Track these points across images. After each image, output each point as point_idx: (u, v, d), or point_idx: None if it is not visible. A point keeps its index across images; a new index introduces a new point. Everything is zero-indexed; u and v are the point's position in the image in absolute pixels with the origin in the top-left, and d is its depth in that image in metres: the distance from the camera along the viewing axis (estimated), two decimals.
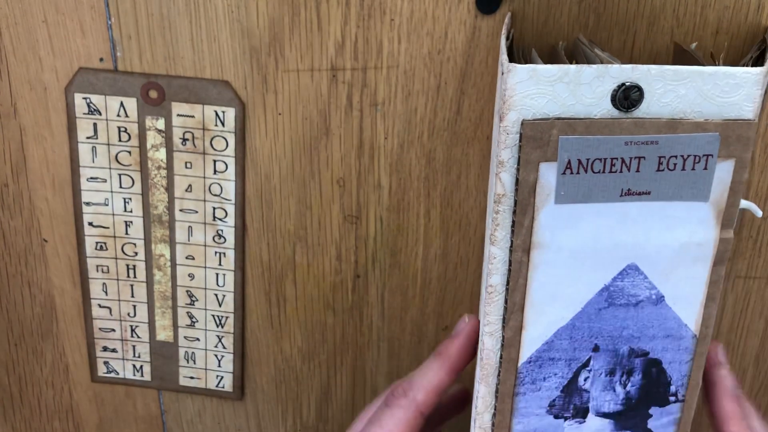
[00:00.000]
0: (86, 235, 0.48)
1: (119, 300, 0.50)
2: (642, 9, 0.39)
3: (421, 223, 0.46)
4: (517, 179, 0.32)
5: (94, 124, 0.45)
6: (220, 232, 0.47)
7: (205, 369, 0.51)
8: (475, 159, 0.44)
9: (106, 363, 0.52)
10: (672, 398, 0.36)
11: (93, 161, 0.46)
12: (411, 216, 0.46)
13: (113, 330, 0.51)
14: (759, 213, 0.43)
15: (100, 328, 0.51)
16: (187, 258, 0.48)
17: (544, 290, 0.34)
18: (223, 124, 0.44)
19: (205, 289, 0.49)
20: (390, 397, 0.37)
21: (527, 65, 0.30)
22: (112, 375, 0.53)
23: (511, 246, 0.33)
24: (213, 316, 0.50)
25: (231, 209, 0.46)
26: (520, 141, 0.31)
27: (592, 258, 0.33)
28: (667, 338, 0.35)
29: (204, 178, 0.46)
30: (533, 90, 0.31)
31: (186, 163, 0.46)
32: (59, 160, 0.47)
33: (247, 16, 0.42)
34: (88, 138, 0.45)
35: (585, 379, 0.36)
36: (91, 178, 0.47)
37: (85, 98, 0.44)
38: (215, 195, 0.46)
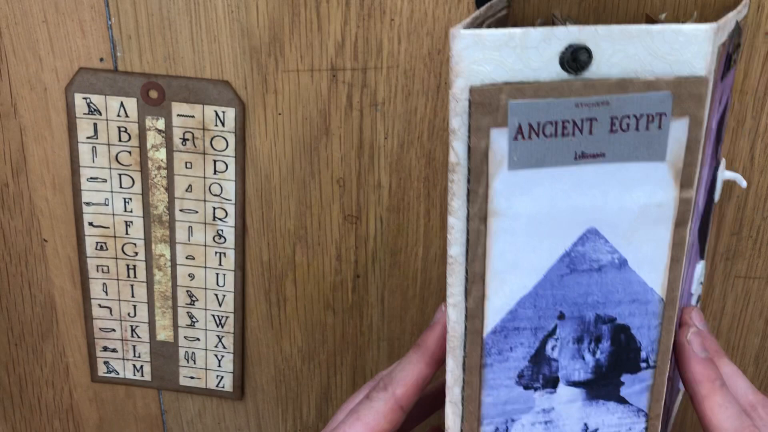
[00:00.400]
0: (86, 235, 0.48)
1: (119, 300, 0.50)
2: (642, 9, 0.39)
3: (421, 223, 0.46)
4: (468, 147, 0.31)
5: (94, 124, 0.45)
6: (220, 232, 0.47)
7: (205, 369, 0.51)
8: None
9: (106, 363, 0.52)
10: (643, 364, 0.36)
11: (93, 161, 0.46)
12: (411, 216, 0.46)
13: (113, 330, 0.51)
14: (744, 184, 0.43)
15: (100, 328, 0.51)
16: (187, 258, 0.48)
17: (503, 259, 0.33)
18: (223, 124, 0.44)
19: (205, 289, 0.49)
20: (371, 391, 0.37)
21: (472, 30, 0.29)
22: (112, 375, 0.53)
23: (467, 215, 0.32)
24: (213, 316, 0.50)
25: (231, 209, 0.47)
26: (469, 108, 0.30)
27: (550, 224, 0.33)
28: (633, 303, 0.35)
29: (204, 178, 0.46)
30: (479, 56, 0.30)
31: (186, 163, 0.46)
32: (59, 160, 0.47)
33: (247, 16, 0.42)
34: (88, 138, 0.45)
35: (552, 348, 0.35)
36: (91, 178, 0.47)
37: (85, 98, 0.44)
38: (215, 195, 0.46)
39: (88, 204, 0.47)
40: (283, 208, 0.46)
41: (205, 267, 0.48)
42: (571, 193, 0.32)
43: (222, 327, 0.50)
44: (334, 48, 0.42)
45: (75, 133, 0.45)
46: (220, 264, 0.48)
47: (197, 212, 0.47)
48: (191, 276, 0.49)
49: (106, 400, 0.54)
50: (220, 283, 0.49)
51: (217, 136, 0.45)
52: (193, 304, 0.50)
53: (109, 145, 0.46)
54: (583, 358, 0.35)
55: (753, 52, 0.40)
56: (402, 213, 0.46)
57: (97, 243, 0.48)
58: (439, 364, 0.38)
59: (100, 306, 0.50)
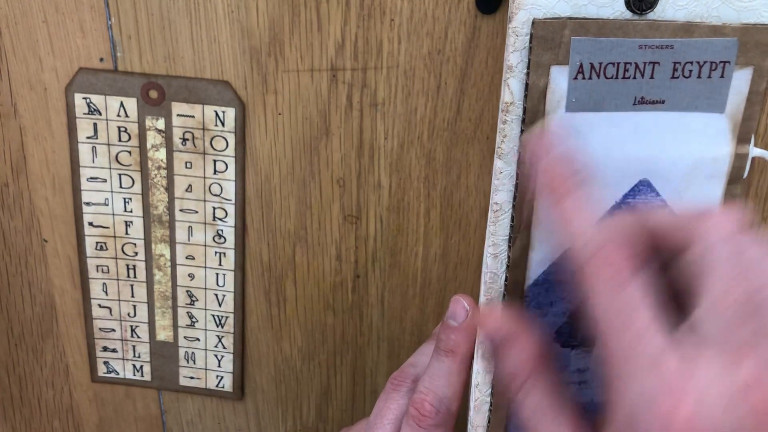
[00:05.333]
0: (86, 235, 0.48)
1: (119, 300, 0.50)
2: None
3: (421, 223, 0.46)
4: (526, 84, 0.30)
5: (94, 124, 0.45)
6: (220, 232, 0.47)
7: (205, 369, 0.51)
8: (475, 159, 0.44)
9: (106, 363, 0.52)
10: None
11: (93, 161, 0.46)
12: (411, 216, 0.46)
13: (113, 330, 0.51)
14: None
15: (100, 328, 0.51)
16: (187, 258, 0.48)
17: None
18: (223, 124, 0.44)
19: (205, 289, 0.49)
20: (420, 418, 0.36)
21: None
22: (112, 375, 0.53)
23: (518, 159, 0.31)
24: (213, 316, 0.50)
25: (231, 209, 0.47)
26: (530, 42, 0.29)
27: (603, 172, 0.32)
28: None
29: (204, 178, 0.46)
30: None
31: (186, 163, 0.46)
32: (59, 160, 0.47)
33: (247, 16, 0.42)
34: (88, 138, 0.45)
35: None
36: (91, 178, 0.47)
37: (85, 98, 0.44)
38: (215, 195, 0.46)
39: (88, 204, 0.47)
40: (283, 208, 0.46)
41: (205, 267, 0.48)
42: (627, 141, 0.31)
43: (222, 327, 0.50)
44: (334, 48, 0.42)
45: (75, 133, 0.45)
46: (220, 264, 0.48)
47: (197, 212, 0.47)
48: (191, 276, 0.49)
49: (106, 400, 0.54)
50: (220, 283, 0.49)
51: (217, 136, 0.45)
52: (193, 304, 0.50)
53: (109, 145, 0.46)
54: None
55: None
56: (402, 213, 0.46)
57: (97, 243, 0.48)
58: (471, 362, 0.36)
59: (100, 306, 0.50)
